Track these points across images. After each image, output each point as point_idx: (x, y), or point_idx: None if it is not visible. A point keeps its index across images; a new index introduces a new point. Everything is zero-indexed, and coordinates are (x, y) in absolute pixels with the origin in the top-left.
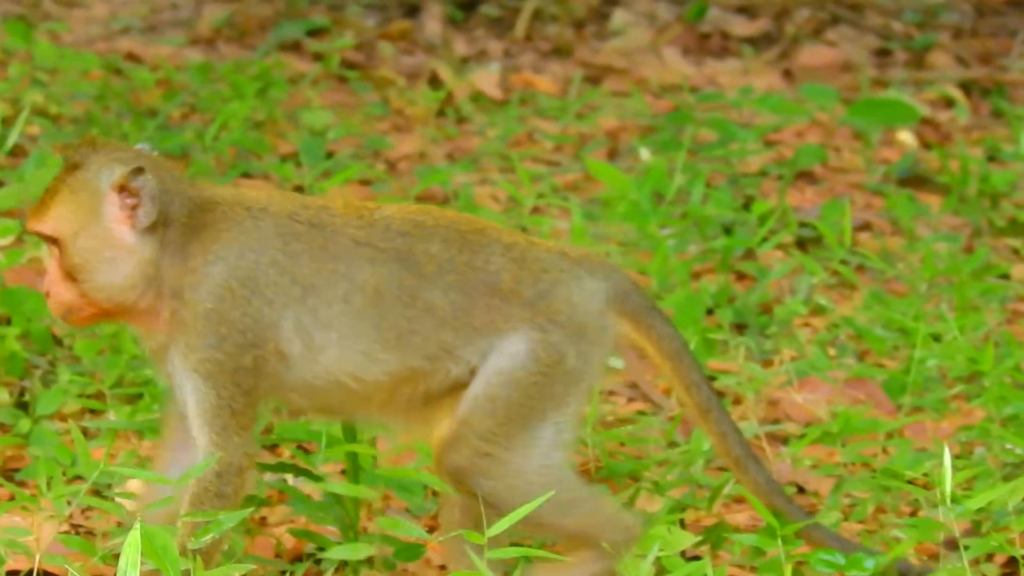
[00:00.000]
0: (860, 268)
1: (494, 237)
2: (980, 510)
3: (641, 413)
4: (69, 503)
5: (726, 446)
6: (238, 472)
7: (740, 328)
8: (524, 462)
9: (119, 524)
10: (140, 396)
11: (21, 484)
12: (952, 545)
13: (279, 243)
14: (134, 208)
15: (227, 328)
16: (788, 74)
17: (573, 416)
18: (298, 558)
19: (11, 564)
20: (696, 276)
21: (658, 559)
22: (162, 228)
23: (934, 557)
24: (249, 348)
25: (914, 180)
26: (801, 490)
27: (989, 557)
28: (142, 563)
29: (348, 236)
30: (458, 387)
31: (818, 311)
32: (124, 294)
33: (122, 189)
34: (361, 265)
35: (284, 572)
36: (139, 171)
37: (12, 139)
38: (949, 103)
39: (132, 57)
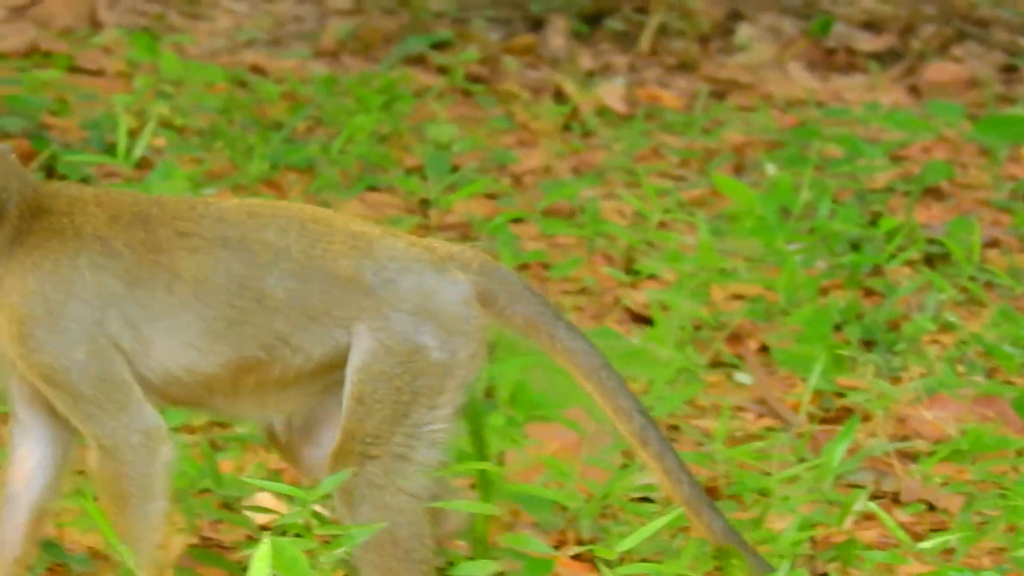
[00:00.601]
0: (988, 285)
1: (339, 227)
2: None
3: (770, 429)
4: (198, 516)
5: (673, 484)
6: (130, 450)
7: (868, 345)
8: (406, 467)
9: (249, 537)
10: None
11: None
12: None
13: (98, 245)
14: None
15: (45, 331)
16: (914, 90)
17: (449, 416)
18: None
19: None
20: (823, 292)
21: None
22: (2, 229)
23: None
24: (75, 345)
25: None
26: (931, 508)
27: None
28: None
29: (172, 228)
30: (304, 375)
31: (947, 328)
32: None
33: None
34: (182, 255)
35: None
36: None
37: (139, 151)
38: None
39: (257, 70)
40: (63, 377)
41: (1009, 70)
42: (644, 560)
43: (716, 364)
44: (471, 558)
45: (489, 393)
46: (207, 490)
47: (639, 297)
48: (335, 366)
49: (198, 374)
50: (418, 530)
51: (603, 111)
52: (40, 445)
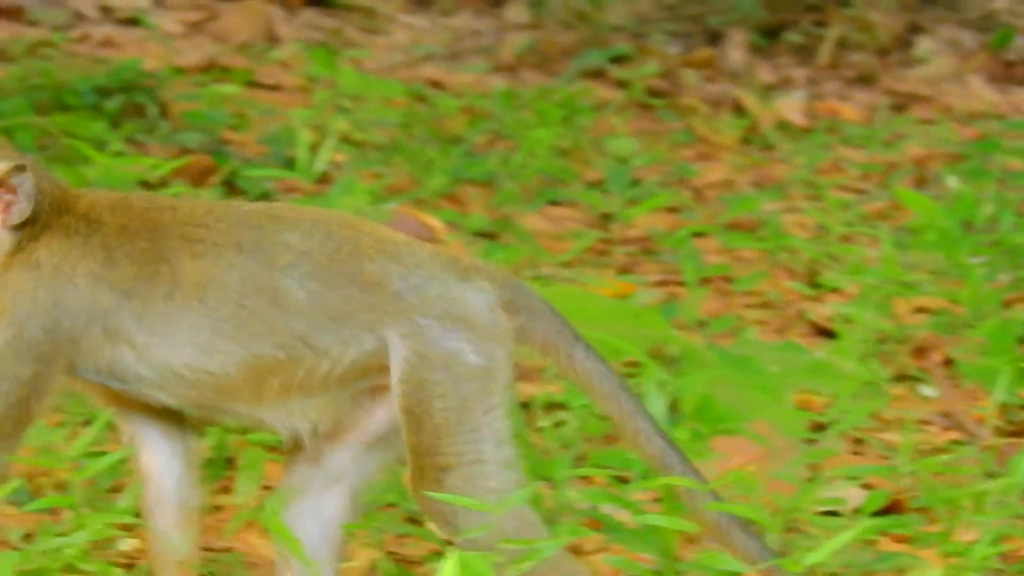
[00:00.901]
0: None
1: (366, 231)
2: None
3: (955, 443)
4: (384, 531)
5: (697, 508)
6: None
7: None
8: (484, 469)
9: (434, 552)
10: None
11: None
12: None
13: (101, 254)
14: (9, 204)
15: (14, 334)
16: None
17: (504, 415)
18: None
19: None
20: (1007, 305)
21: None
22: (29, 227)
23: None
24: (30, 363)
25: None
26: None
27: None
28: None
29: (179, 235)
30: (332, 381)
31: None
32: None
33: (1, 184)
34: (185, 261)
35: None
36: (20, 169)
37: (319, 166)
38: None
39: (435, 84)
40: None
41: None
42: (832, 574)
43: (900, 377)
44: (659, 572)
45: (674, 407)
46: (392, 504)
47: (822, 310)
48: (365, 373)
49: (207, 373)
50: (524, 519)
51: (783, 124)
52: (158, 445)
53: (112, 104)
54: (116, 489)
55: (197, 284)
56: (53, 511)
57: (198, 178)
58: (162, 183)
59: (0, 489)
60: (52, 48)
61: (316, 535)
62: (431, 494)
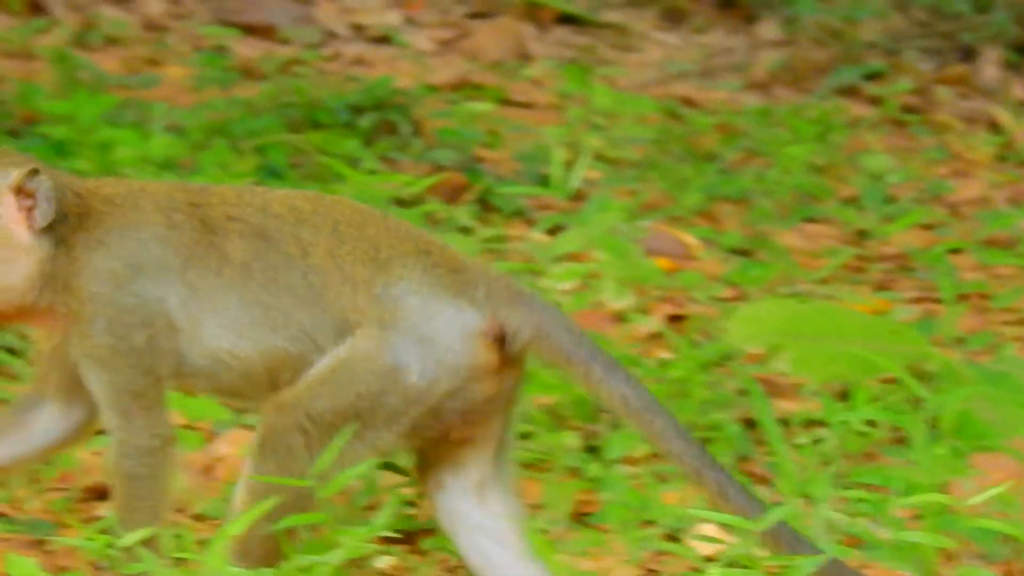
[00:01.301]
0: None
1: (370, 235)
2: None
3: None
4: (642, 548)
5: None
6: (147, 453)
7: None
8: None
9: (693, 569)
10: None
11: (593, 528)
12: None
13: (160, 217)
14: (31, 209)
15: (114, 310)
16: None
17: (394, 439)
18: None
19: None
20: None
21: None
22: (57, 226)
23: None
24: (139, 328)
25: None
26: None
27: None
28: None
29: (222, 212)
30: None
31: None
32: (23, 296)
33: (19, 191)
34: (233, 239)
35: None
36: (34, 172)
37: (573, 183)
38: None
39: (688, 101)
40: (120, 361)
41: None
42: None
43: None
44: None
45: (933, 424)
46: (650, 521)
47: None
48: None
49: (240, 359)
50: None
51: None
52: (53, 419)
53: (365, 122)
54: (371, 507)
55: (242, 264)
56: (312, 528)
57: (451, 195)
58: (415, 200)
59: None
60: (304, 66)
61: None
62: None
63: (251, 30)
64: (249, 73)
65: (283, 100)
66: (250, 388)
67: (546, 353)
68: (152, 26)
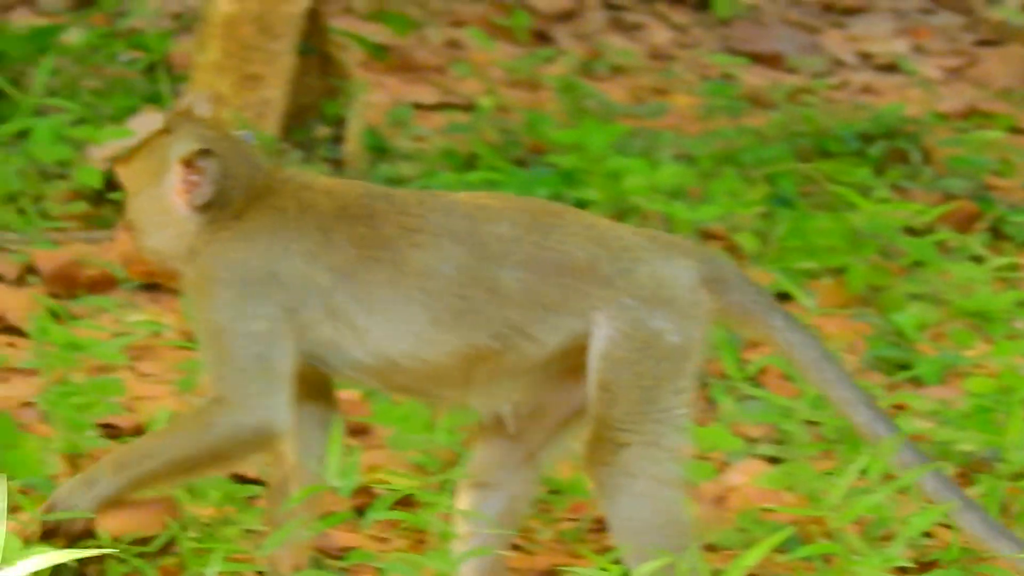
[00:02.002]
0: None
1: (571, 219)
2: None
3: None
4: None
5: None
6: (240, 428)
7: None
8: (658, 454)
9: None
10: None
11: None
12: None
13: (318, 235)
14: (194, 184)
15: (234, 296)
16: None
17: (689, 399)
18: None
19: None
20: None
21: None
22: (215, 210)
23: None
24: (256, 319)
25: None
26: None
27: None
28: None
29: (397, 224)
30: (537, 364)
31: None
32: (170, 261)
33: (187, 164)
34: (406, 251)
35: None
36: (208, 152)
37: None
38: None
39: None
40: (229, 341)
41: None
42: None
43: None
44: None
45: None
46: None
47: None
48: (568, 354)
49: (422, 362)
50: (676, 516)
51: None
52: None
53: (875, 150)
54: (887, 537)
55: (419, 274)
56: (825, 558)
57: (962, 224)
58: (926, 229)
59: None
60: (812, 95)
61: (503, 509)
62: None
63: (758, 59)
64: (757, 101)
65: (792, 129)
66: (435, 386)
67: (733, 306)
68: (658, 55)
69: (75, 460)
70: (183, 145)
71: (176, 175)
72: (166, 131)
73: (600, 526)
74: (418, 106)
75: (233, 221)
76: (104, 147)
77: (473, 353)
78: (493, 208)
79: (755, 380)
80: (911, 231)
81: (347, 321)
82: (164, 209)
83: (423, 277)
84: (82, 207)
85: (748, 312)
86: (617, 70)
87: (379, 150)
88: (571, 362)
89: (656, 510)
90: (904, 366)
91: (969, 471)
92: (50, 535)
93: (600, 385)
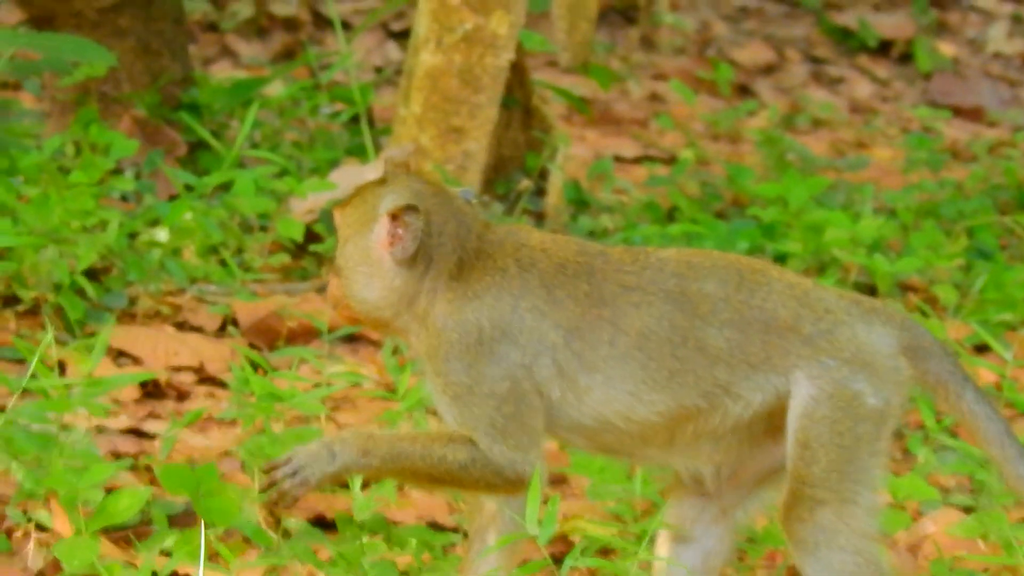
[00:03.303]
0: None
1: (775, 277)
2: None
3: None
4: None
5: None
6: (500, 476)
7: None
8: (855, 511)
9: None
10: None
11: None
12: None
13: (542, 292)
14: (398, 239)
15: (472, 358)
16: None
17: (886, 463)
18: None
19: None
20: None
21: None
22: (422, 266)
23: None
24: (500, 381)
25: None
26: None
27: None
28: None
29: (616, 281)
30: (741, 424)
31: None
32: (375, 311)
33: (394, 218)
34: (626, 309)
35: None
36: (414, 208)
37: None
38: None
39: None
40: (477, 403)
41: None
42: None
43: None
44: None
45: None
46: None
47: None
48: (769, 414)
49: (635, 422)
50: (878, 568)
51: None
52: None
53: None
54: None
55: (639, 333)
56: None
57: None
58: None
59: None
60: (1013, 148)
61: (699, 563)
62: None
63: (959, 112)
64: (957, 155)
65: (992, 182)
66: (640, 446)
67: (928, 374)
68: (859, 108)
69: (272, 508)
70: (392, 198)
71: (382, 227)
72: (382, 182)
73: (792, 573)
74: (619, 159)
75: (452, 282)
76: (306, 200)
77: (682, 413)
78: (701, 266)
79: (950, 431)
80: None
81: (571, 380)
82: (370, 260)
83: (640, 336)
84: (283, 259)
85: (943, 382)
86: (818, 123)
87: (580, 203)
88: (771, 422)
89: (854, 564)
90: None
91: None
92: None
93: (800, 443)
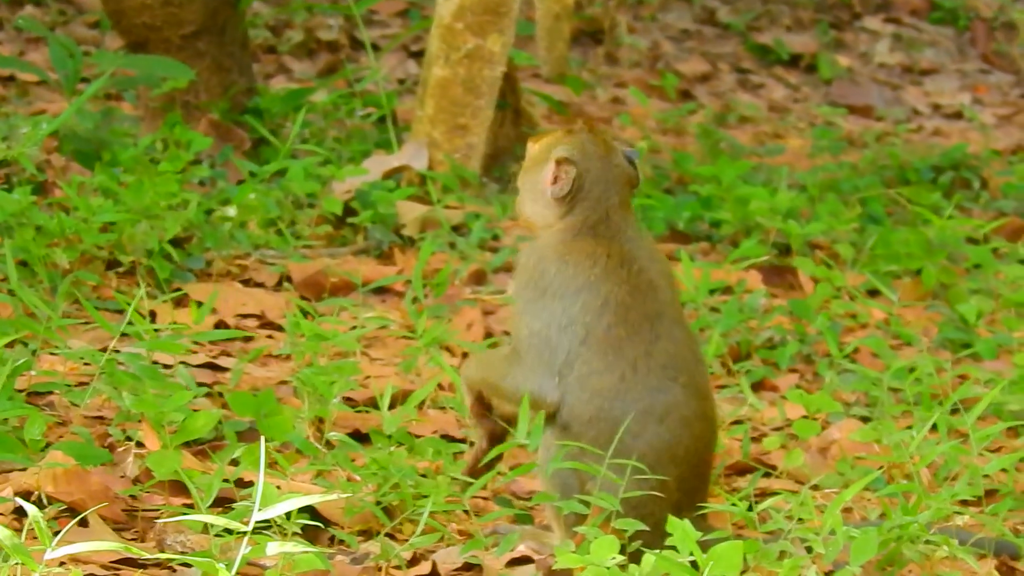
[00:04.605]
0: None
1: None
2: None
3: None
4: None
5: None
6: (521, 391)
7: None
8: None
9: None
10: None
11: None
12: None
13: (591, 294)
14: (557, 180)
15: (527, 290)
16: None
17: None
18: None
19: None
20: None
21: None
22: (566, 208)
23: None
24: (539, 319)
25: None
26: None
27: None
28: None
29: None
30: None
31: None
32: (529, 221)
33: (558, 163)
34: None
35: None
36: (572, 163)
37: None
38: None
39: None
40: (520, 324)
41: None
42: None
43: None
44: None
45: None
46: None
47: None
48: None
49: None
50: None
51: None
52: None
53: (944, 179)
54: (953, 477)
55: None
56: (906, 495)
57: (1012, 235)
58: (984, 239)
59: (865, 478)
60: (895, 137)
61: None
62: None
63: (854, 110)
64: (853, 143)
65: (880, 163)
66: None
67: None
68: (776, 108)
69: (319, 425)
70: (563, 149)
71: (549, 168)
72: (569, 131)
73: (731, 471)
74: None
75: (568, 234)
76: (344, 183)
77: None
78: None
79: (851, 357)
80: (972, 241)
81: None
82: (536, 188)
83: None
84: (327, 229)
85: None
86: (744, 120)
87: None
88: None
89: None
90: (966, 345)
91: (1017, 426)
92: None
93: None
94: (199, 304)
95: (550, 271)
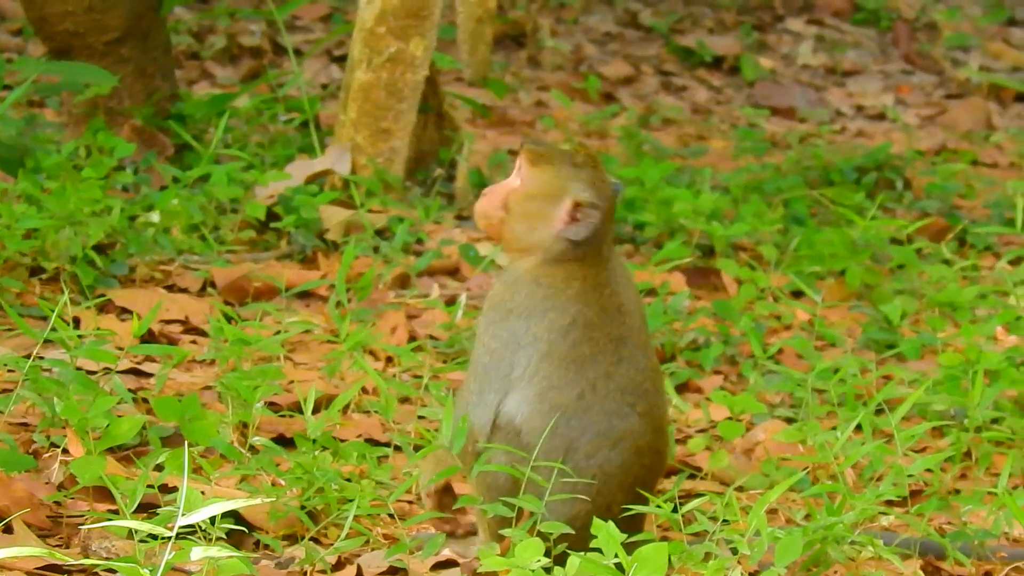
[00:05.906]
0: None
1: None
2: None
3: None
4: None
5: None
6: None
7: None
8: None
9: None
10: None
11: None
12: None
13: (561, 322)
14: (571, 222)
15: (495, 315)
16: None
17: None
18: None
19: None
20: None
21: None
22: (572, 249)
23: None
24: (496, 339)
25: None
26: None
27: None
28: None
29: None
30: None
31: None
32: (514, 243)
33: (578, 205)
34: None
35: None
36: (596, 207)
37: None
38: None
39: None
40: (485, 341)
41: None
42: None
43: None
44: None
45: None
46: None
47: None
48: None
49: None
50: None
51: None
52: None
53: (868, 179)
54: (878, 478)
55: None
56: (830, 495)
57: (935, 236)
58: (908, 240)
59: (790, 479)
60: (818, 138)
61: None
62: None
63: (777, 111)
64: (776, 144)
65: (803, 164)
66: None
67: None
68: (699, 110)
69: (243, 430)
70: (588, 193)
71: (565, 206)
72: (590, 161)
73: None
74: (512, 152)
75: (550, 259)
76: (267, 187)
77: None
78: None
79: (775, 359)
80: (896, 241)
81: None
82: (540, 219)
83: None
84: (250, 234)
85: None
86: (667, 121)
87: (482, 187)
88: None
89: None
90: (891, 346)
91: (941, 426)
92: None
93: None
94: (127, 311)
95: (521, 293)
